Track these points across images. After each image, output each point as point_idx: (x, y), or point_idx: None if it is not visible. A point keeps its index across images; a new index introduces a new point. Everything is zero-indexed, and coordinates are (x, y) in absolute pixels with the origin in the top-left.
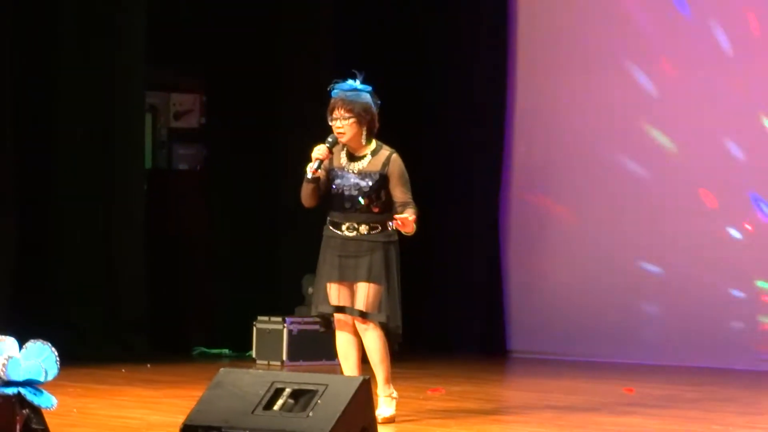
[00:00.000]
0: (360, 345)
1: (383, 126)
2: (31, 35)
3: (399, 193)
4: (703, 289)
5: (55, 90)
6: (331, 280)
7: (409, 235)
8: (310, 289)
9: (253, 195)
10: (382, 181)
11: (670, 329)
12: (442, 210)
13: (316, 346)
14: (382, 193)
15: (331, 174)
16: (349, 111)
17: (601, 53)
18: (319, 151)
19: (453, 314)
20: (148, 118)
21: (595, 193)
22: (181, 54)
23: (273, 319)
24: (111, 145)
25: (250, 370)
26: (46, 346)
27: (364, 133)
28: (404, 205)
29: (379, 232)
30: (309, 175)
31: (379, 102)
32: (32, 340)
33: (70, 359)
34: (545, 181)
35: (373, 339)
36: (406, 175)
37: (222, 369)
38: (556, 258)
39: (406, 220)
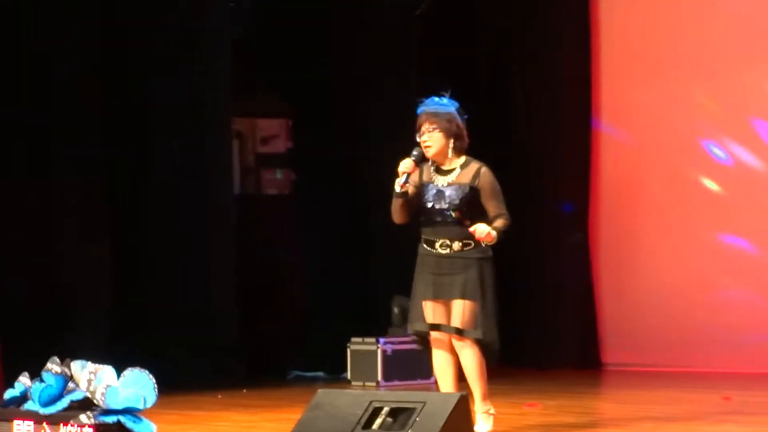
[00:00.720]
0: (457, 362)
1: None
2: (122, 66)
3: (491, 206)
4: None
5: (147, 119)
6: (426, 298)
7: (490, 243)
8: (396, 309)
9: (342, 217)
10: (473, 194)
11: (766, 336)
12: (533, 224)
13: (411, 366)
14: (474, 207)
15: (421, 190)
16: (433, 123)
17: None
18: (405, 164)
19: (547, 329)
20: (235, 144)
21: (679, 204)
22: (266, 81)
23: (367, 340)
24: (201, 172)
25: (348, 391)
26: (143, 374)
27: (452, 145)
28: (497, 218)
29: (473, 248)
30: (397, 189)
31: (466, 116)
32: (130, 369)
33: (167, 386)
34: (633, 191)
35: (470, 356)
36: (498, 188)
37: (319, 390)
38: (646, 269)
39: (478, 230)
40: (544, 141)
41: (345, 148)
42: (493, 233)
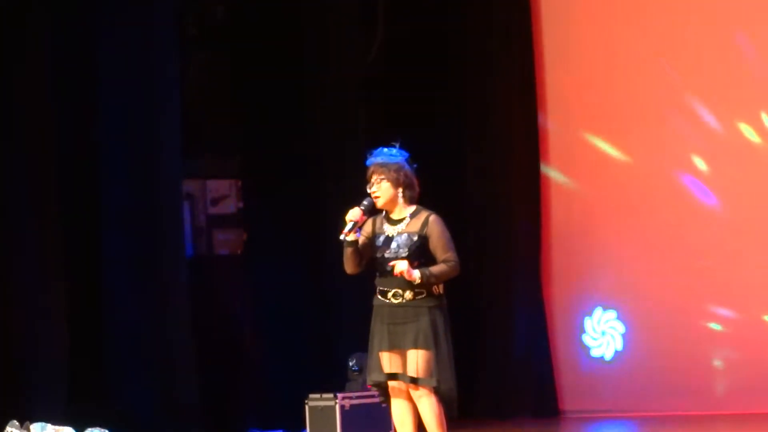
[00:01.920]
0: (416, 412)
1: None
2: (76, 124)
3: (438, 252)
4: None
5: (98, 177)
6: (382, 349)
7: (414, 282)
8: (352, 364)
9: (296, 273)
10: (422, 242)
11: (734, 378)
12: (487, 272)
13: (370, 420)
14: (424, 255)
15: (372, 240)
16: (382, 174)
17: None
18: (351, 213)
19: (503, 376)
20: (186, 206)
21: (632, 248)
22: (216, 141)
23: (325, 395)
24: (153, 232)
25: None
26: None
27: (401, 194)
28: (441, 263)
29: (425, 297)
30: (342, 237)
31: (415, 165)
32: (90, 429)
33: None
34: (585, 235)
35: (427, 405)
36: (447, 235)
37: None
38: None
39: (396, 265)
40: (494, 188)
41: (295, 205)
42: (416, 273)
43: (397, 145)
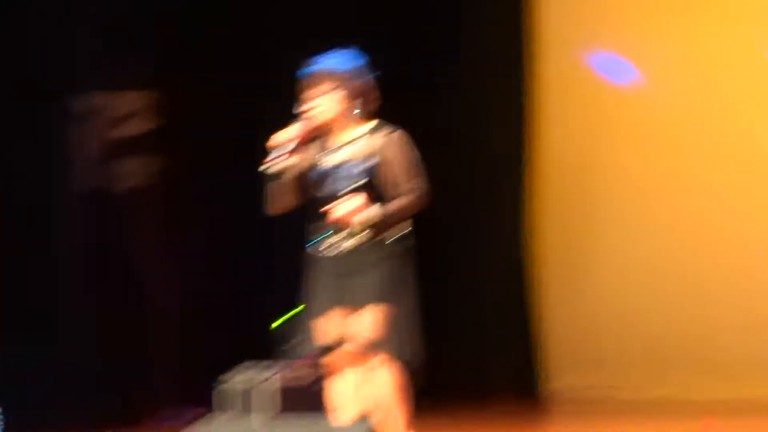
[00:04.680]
0: (364, 391)
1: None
2: None
3: (400, 179)
4: None
5: None
6: (319, 311)
7: (357, 227)
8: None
9: (220, 213)
10: (372, 171)
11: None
12: (456, 213)
13: (304, 403)
14: (374, 187)
15: (306, 174)
16: (327, 83)
17: None
18: (279, 136)
19: (482, 348)
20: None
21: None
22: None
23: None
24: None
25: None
26: None
27: (356, 107)
28: (405, 194)
29: (381, 240)
30: (263, 167)
31: (377, 72)
32: None
33: None
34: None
35: (383, 378)
36: (409, 156)
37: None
38: (597, 273)
39: (335, 209)
40: (472, 124)
41: (224, 125)
42: (360, 216)
43: (352, 49)
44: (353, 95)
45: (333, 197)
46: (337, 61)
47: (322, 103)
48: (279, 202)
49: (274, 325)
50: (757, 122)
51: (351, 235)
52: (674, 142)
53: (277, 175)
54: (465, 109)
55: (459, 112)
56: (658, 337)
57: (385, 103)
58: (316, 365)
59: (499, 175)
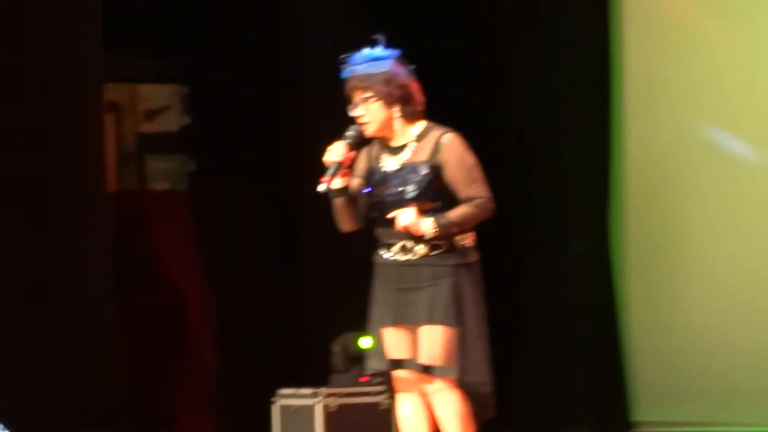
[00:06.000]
0: (432, 413)
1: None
2: None
3: (460, 185)
4: None
5: None
6: (384, 325)
7: (422, 235)
8: (339, 349)
9: (261, 218)
10: (435, 174)
11: None
12: (532, 227)
13: (363, 426)
14: (439, 192)
15: (368, 179)
16: (366, 89)
17: None
18: (333, 151)
19: (558, 374)
20: (109, 120)
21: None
22: (153, 31)
23: (301, 392)
24: (61, 160)
25: None
26: None
27: (398, 113)
28: (464, 203)
29: (445, 252)
30: (322, 188)
31: (412, 66)
32: None
33: None
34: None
35: (447, 404)
36: (470, 160)
37: None
38: (691, 293)
39: (398, 216)
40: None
41: (264, 120)
42: (426, 225)
43: (382, 43)
44: (396, 99)
45: (394, 203)
46: (374, 60)
47: (368, 111)
48: (348, 218)
49: (358, 341)
50: None
51: (415, 244)
52: None
53: (339, 191)
54: (543, 114)
55: (537, 119)
56: (753, 369)
57: (458, 104)
58: (379, 383)
59: (581, 186)
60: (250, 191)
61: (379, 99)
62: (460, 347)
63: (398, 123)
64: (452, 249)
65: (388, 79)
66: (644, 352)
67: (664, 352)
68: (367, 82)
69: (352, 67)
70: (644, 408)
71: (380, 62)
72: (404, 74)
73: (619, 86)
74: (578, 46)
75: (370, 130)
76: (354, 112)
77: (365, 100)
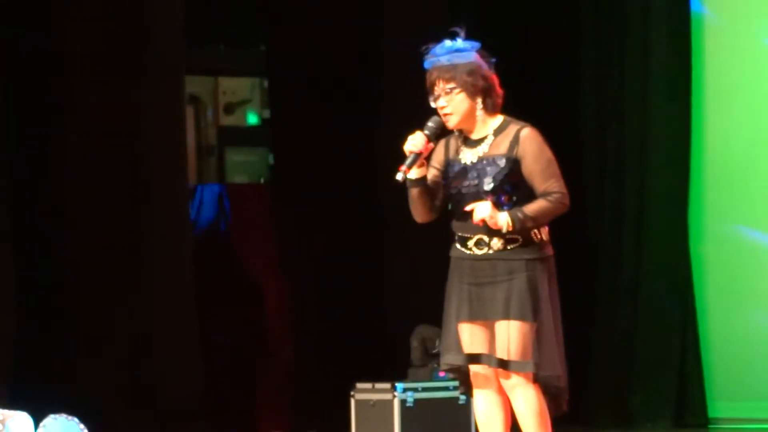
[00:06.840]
0: (509, 408)
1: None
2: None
3: (537, 180)
4: None
5: (58, 81)
6: (461, 320)
7: (502, 230)
8: (416, 343)
9: (341, 212)
10: (512, 168)
11: None
12: (608, 221)
13: (441, 420)
14: (519, 184)
15: (446, 171)
16: (450, 81)
17: None
18: (413, 141)
19: (633, 369)
20: (189, 112)
21: None
22: (234, 24)
23: (378, 386)
24: (141, 154)
25: None
26: (72, 423)
27: (480, 105)
28: (541, 197)
29: (521, 246)
30: (399, 177)
31: (493, 59)
32: (53, 416)
33: None
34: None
35: (524, 399)
36: (548, 154)
37: None
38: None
39: (476, 210)
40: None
41: (345, 117)
42: (503, 218)
43: (462, 34)
44: (479, 90)
45: (471, 196)
46: (457, 51)
47: (451, 102)
48: (422, 209)
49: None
50: None
51: (491, 238)
52: None
53: (416, 181)
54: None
55: (620, 119)
56: None
57: (543, 102)
58: (455, 378)
59: (661, 183)
60: (328, 185)
61: (463, 90)
62: (535, 342)
63: (480, 115)
64: (528, 243)
65: (472, 71)
66: (722, 348)
67: (741, 348)
68: (452, 73)
69: (434, 58)
70: (722, 404)
71: (464, 53)
72: (486, 66)
73: (700, 87)
74: (660, 51)
75: (452, 122)
76: (436, 104)
77: (449, 91)
